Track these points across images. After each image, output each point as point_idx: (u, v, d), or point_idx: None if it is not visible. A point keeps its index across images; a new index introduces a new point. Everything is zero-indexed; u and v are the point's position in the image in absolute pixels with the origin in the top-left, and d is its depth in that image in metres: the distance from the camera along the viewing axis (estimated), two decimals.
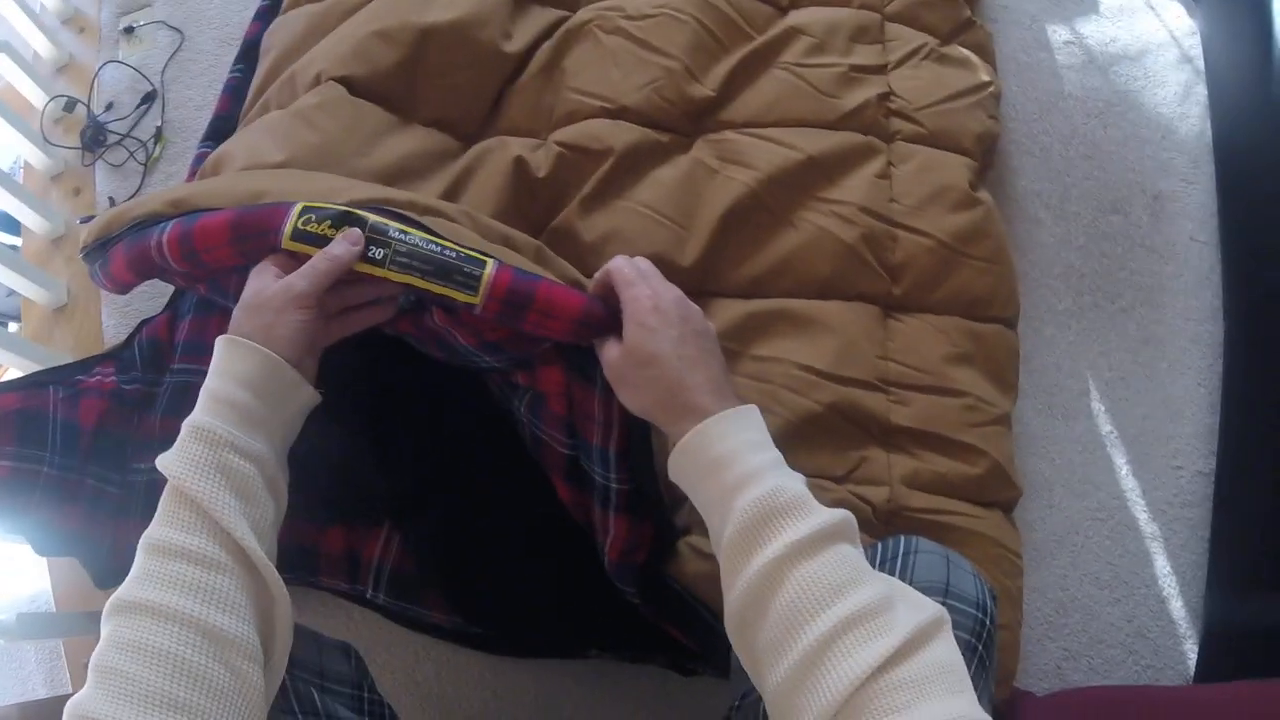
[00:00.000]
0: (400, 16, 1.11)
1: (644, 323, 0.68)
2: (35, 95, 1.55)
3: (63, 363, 1.13)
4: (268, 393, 0.66)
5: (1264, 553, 1.19)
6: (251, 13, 1.47)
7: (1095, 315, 1.39)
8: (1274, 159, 1.33)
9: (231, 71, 1.38)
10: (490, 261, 0.72)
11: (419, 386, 1.03)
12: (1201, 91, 1.55)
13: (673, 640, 0.94)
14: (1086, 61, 1.58)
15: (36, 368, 1.24)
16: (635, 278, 0.71)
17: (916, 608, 0.55)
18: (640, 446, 0.78)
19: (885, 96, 1.17)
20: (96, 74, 1.57)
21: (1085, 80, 1.56)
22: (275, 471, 0.66)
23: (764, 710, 0.59)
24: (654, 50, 1.13)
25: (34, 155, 1.49)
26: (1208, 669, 1.20)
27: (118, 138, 1.49)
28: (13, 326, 1.54)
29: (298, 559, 1.09)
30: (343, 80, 1.07)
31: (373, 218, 0.73)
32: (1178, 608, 1.26)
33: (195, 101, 1.52)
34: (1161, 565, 1.27)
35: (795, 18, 1.23)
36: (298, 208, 0.73)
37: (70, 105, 1.55)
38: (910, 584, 0.60)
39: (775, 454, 0.64)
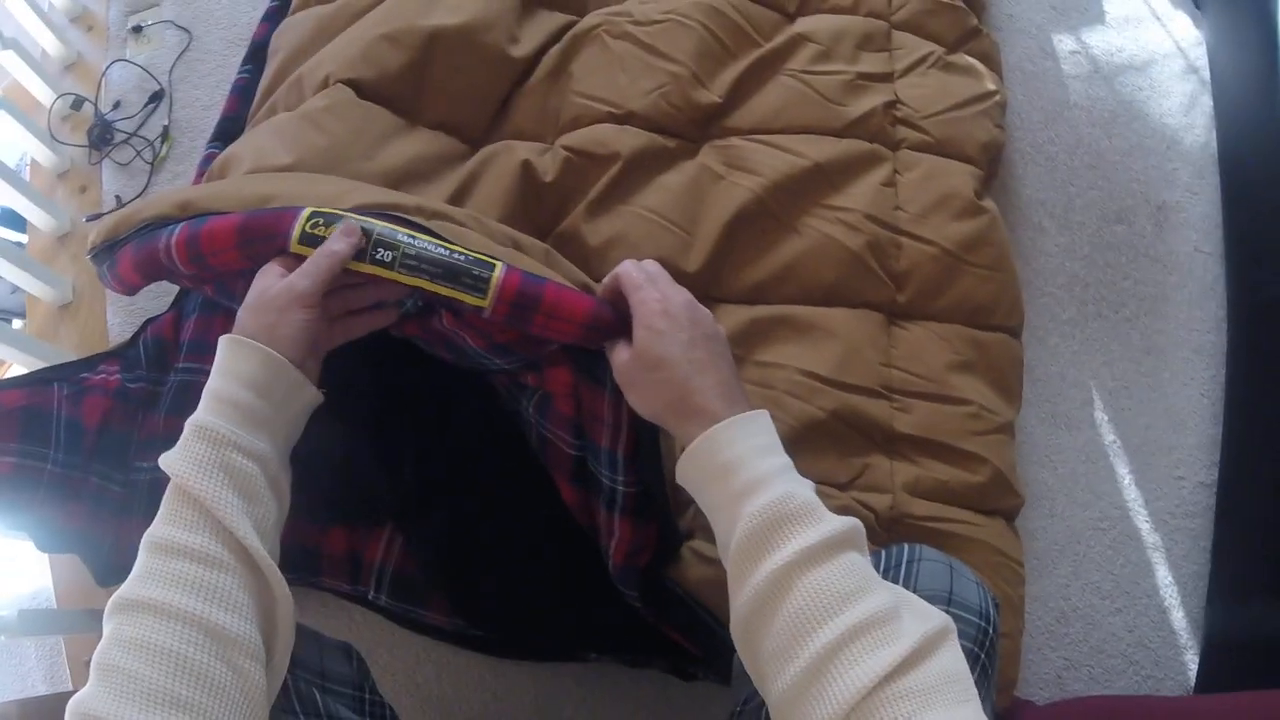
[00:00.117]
0: (408, 20, 1.11)
1: (653, 326, 0.67)
2: (43, 93, 1.55)
3: (67, 360, 1.13)
4: (271, 392, 0.66)
5: (1266, 564, 1.19)
6: (260, 13, 1.47)
7: (1099, 325, 1.39)
8: (1279, 170, 1.33)
9: (239, 72, 1.38)
10: (499, 264, 0.72)
11: (424, 388, 1.03)
12: (1207, 102, 1.56)
13: (673, 644, 0.94)
14: (1092, 71, 1.58)
15: (41, 365, 1.24)
16: (644, 281, 0.70)
17: (923, 617, 0.55)
18: (648, 449, 0.78)
19: (891, 104, 1.18)
20: (104, 73, 1.57)
21: (1090, 90, 1.56)
22: (278, 471, 0.66)
23: (766, 716, 0.59)
24: (661, 56, 1.13)
25: (41, 153, 1.49)
26: (1208, 679, 1.20)
27: (125, 136, 1.49)
28: (16, 323, 1.54)
29: (300, 559, 1.09)
30: (351, 83, 1.08)
31: (380, 223, 0.73)
32: (1179, 618, 1.26)
33: (203, 101, 1.52)
34: (1163, 575, 1.27)
35: (802, 25, 1.23)
36: (305, 212, 0.73)
37: (78, 103, 1.55)
38: (914, 592, 0.60)
39: (785, 459, 0.64)
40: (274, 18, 1.40)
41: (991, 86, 1.28)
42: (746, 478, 0.62)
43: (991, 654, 0.66)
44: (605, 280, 0.74)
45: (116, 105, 1.54)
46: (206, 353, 1.12)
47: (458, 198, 1.03)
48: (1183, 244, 1.45)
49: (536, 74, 1.15)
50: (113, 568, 1.08)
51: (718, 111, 1.14)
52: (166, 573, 0.56)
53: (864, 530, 0.61)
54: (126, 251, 0.85)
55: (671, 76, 1.12)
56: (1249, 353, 1.33)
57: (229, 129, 1.31)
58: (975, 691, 0.53)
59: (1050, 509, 1.28)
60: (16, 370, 1.33)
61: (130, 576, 0.57)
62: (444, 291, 0.71)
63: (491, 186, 1.03)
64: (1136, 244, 1.44)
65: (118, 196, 1.45)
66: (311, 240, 0.72)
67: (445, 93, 1.11)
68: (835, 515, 0.60)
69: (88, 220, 1.46)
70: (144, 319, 1.19)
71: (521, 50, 1.15)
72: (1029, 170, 1.47)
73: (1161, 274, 1.43)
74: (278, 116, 1.10)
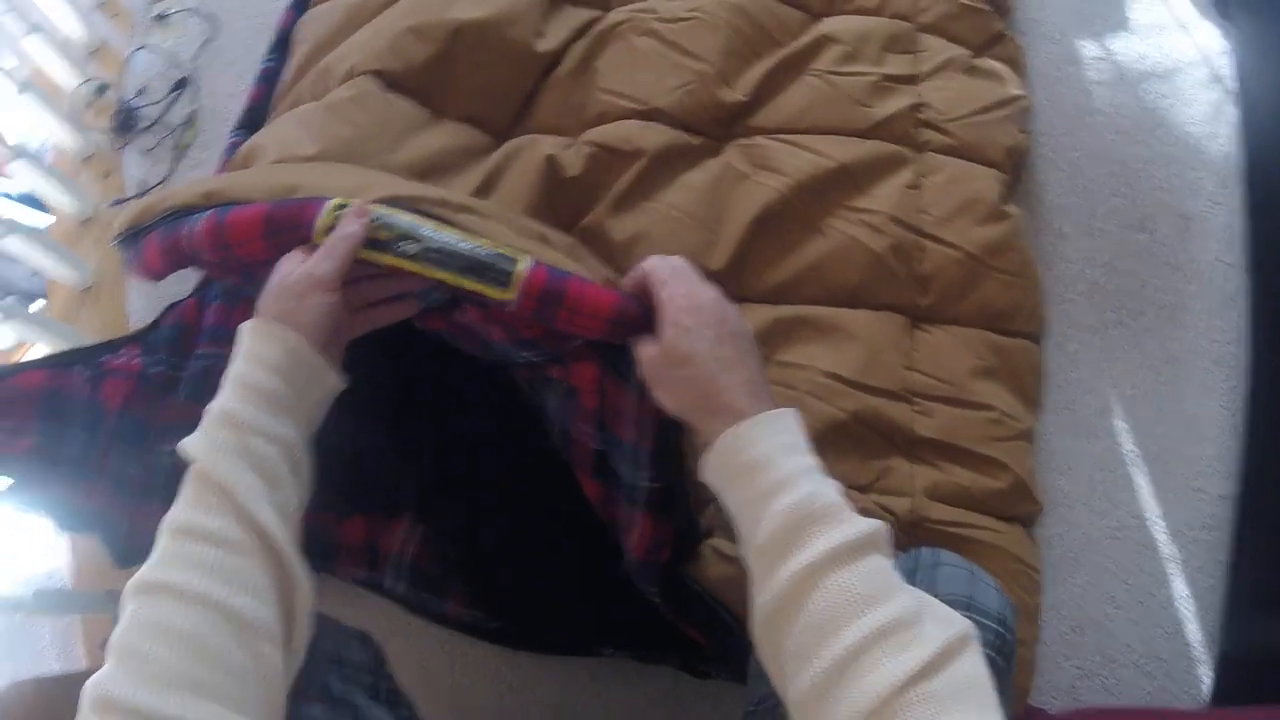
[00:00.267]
0: (434, 13, 1.11)
1: (680, 322, 0.67)
2: (67, 78, 1.56)
3: (88, 344, 1.13)
4: (293, 377, 0.66)
5: None
6: (285, 2, 1.47)
7: (1119, 333, 1.38)
8: None
9: (264, 61, 1.38)
10: (524, 258, 0.72)
11: (444, 381, 1.03)
12: (1231, 112, 1.54)
13: (688, 641, 0.94)
14: (1116, 78, 1.57)
15: (62, 347, 1.24)
16: (671, 277, 0.70)
17: (945, 622, 0.55)
18: (672, 446, 0.77)
19: (917, 107, 1.17)
20: (128, 59, 1.58)
21: (1114, 97, 1.55)
22: (300, 456, 0.66)
23: (782, 716, 0.59)
24: (686, 53, 1.13)
25: (65, 137, 1.50)
26: (1222, 693, 1.19)
27: (148, 123, 1.50)
28: (35, 306, 1.55)
29: (317, 548, 1.09)
30: (376, 74, 1.08)
31: (405, 216, 0.73)
32: (1193, 631, 1.25)
33: (226, 89, 1.52)
34: (1179, 587, 1.26)
35: (827, 25, 1.23)
36: (331, 204, 0.73)
37: (102, 89, 1.56)
38: (934, 596, 0.60)
39: (811, 459, 0.64)
40: (299, 7, 1.40)
41: (1016, 91, 1.27)
42: (772, 476, 0.61)
43: (1009, 661, 0.66)
44: (631, 275, 0.74)
45: (141, 92, 1.54)
46: (227, 339, 1.11)
47: (482, 191, 1.03)
48: (1204, 254, 1.44)
49: (561, 69, 1.15)
50: (131, 549, 1.09)
51: (742, 110, 1.14)
52: (186, 556, 0.56)
53: (889, 532, 0.61)
54: (152, 239, 0.85)
55: (697, 74, 1.12)
56: (1271, 365, 1.31)
57: (253, 118, 1.31)
58: (996, 698, 0.53)
59: (1067, 517, 1.27)
60: (37, 352, 1.34)
61: (150, 559, 0.57)
62: (468, 285, 0.71)
63: (516, 180, 1.04)
64: (1158, 252, 1.43)
65: (141, 182, 1.46)
66: None
67: (470, 86, 1.11)
68: (860, 517, 0.60)
69: (111, 206, 1.47)
70: (165, 304, 1.20)
71: (546, 45, 1.15)
72: (1051, 176, 1.46)
73: (1182, 283, 1.41)
74: (303, 107, 1.11)
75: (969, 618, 0.56)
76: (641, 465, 0.79)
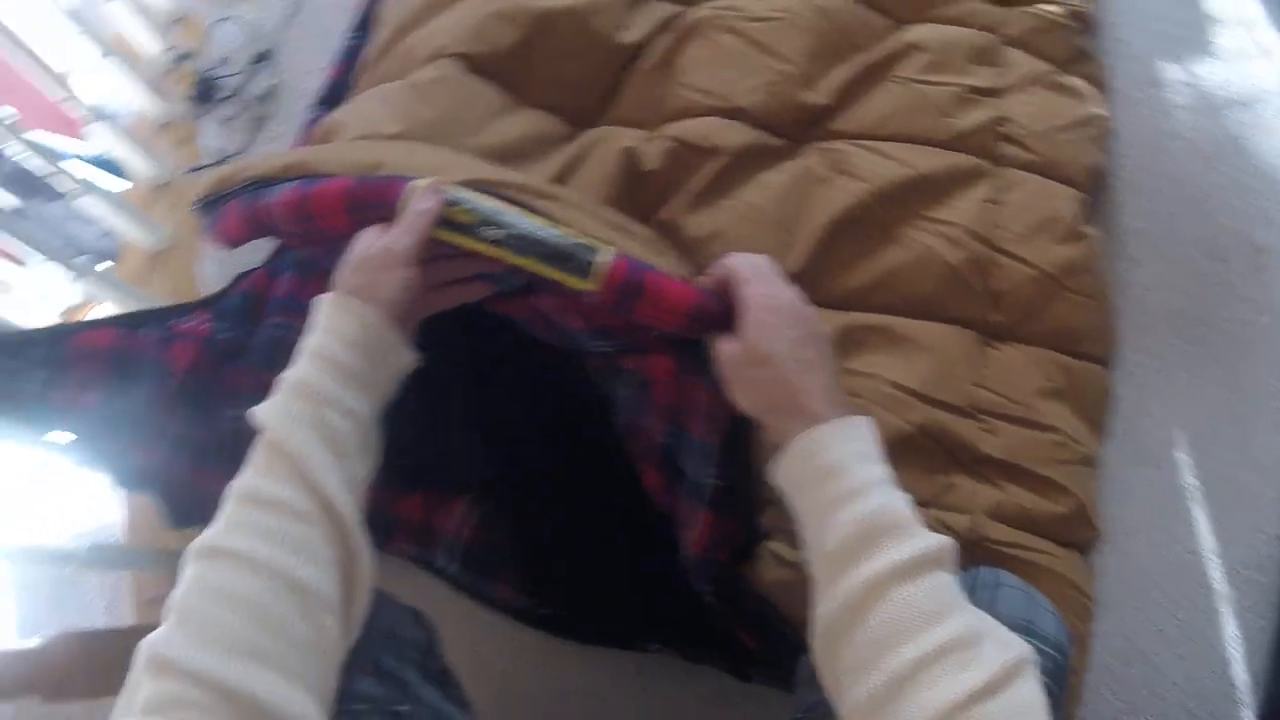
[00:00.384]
0: None
1: (761, 321, 0.67)
2: (149, 45, 1.59)
3: (157, 306, 1.15)
4: (368, 352, 0.66)
5: None
6: None
7: (1188, 362, 1.35)
8: None
9: (348, 39, 1.39)
10: (606, 249, 0.72)
11: (512, 366, 1.04)
12: None
13: (736, 643, 0.93)
14: (1198, 103, 1.54)
15: (129, 309, 1.27)
16: (753, 275, 0.70)
17: (1004, 645, 0.54)
18: (741, 445, 0.77)
19: (999, 120, 1.16)
20: (211, 29, 1.60)
21: (1196, 122, 1.52)
22: (370, 430, 0.66)
23: None
24: (770, 53, 1.13)
25: (145, 103, 1.53)
26: None
27: (228, 94, 1.52)
28: (101, 267, 1.58)
29: (374, 522, 1.09)
30: (461, 57, 1.09)
31: (489, 201, 0.73)
32: (1239, 672, 1.22)
33: (306, 65, 1.54)
34: (1229, 627, 1.24)
35: (912, 33, 1.21)
36: (416, 184, 0.74)
37: (183, 58, 1.59)
38: (993, 616, 0.60)
39: (885, 469, 0.63)
40: None
41: (1099, 111, 1.25)
42: (845, 484, 0.61)
43: (1062, 688, 0.65)
44: (712, 271, 0.74)
45: (222, 62, 1.57)
46: (297, 310, 1.14)
47: (559, 180, 1.03)
48: (1278, 286, 1.40)
49: (644, 62, 1.15)
50: (186, 511, 1.11)
51: (824, 113, 1.13)
52: (252, 523, 0.56)
53: (957, 550, 0.60)
54: (233, 207, 0.86)
55: (780, 75, 1.11)
56: None
57: (333, 94, 1.33)
58: None
59: (1122, 546, 1.24)
60: (102, 312, 1.37)
61: (215, 524, 0.57)
62: (549, 273, 0.71)
63: (593, 171, 1.04)
64: (1232, 283, 1.40)
65: (219, 151, 1.48)
66: None
67: (552, 74, 1.12)
68: (930, 532, 0.59)
69: (186, 173, 1.49)
70: (236, 272, 1.21)
71: (630, 37, 1.15)
72: (1127, 199, 1.43)
73: (1254, 315, 1.38)
74: (386, 85, 1.12)
75: (1027, 642, 0.56)
76: (709, 462, 0.79)
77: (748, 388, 0.68)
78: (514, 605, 1.10)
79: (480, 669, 1.12)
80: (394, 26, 1.23)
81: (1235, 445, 1.31)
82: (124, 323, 1.09)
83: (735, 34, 1.14)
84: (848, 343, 1.01)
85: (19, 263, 1.44)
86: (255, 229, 0.86)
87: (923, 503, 0.96)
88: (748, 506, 0.83)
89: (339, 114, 1.10)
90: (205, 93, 1.52)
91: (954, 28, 1.23)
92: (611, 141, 1.07)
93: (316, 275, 1.13)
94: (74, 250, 1.63)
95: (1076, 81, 1.28)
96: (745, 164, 1.06)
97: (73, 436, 1.03)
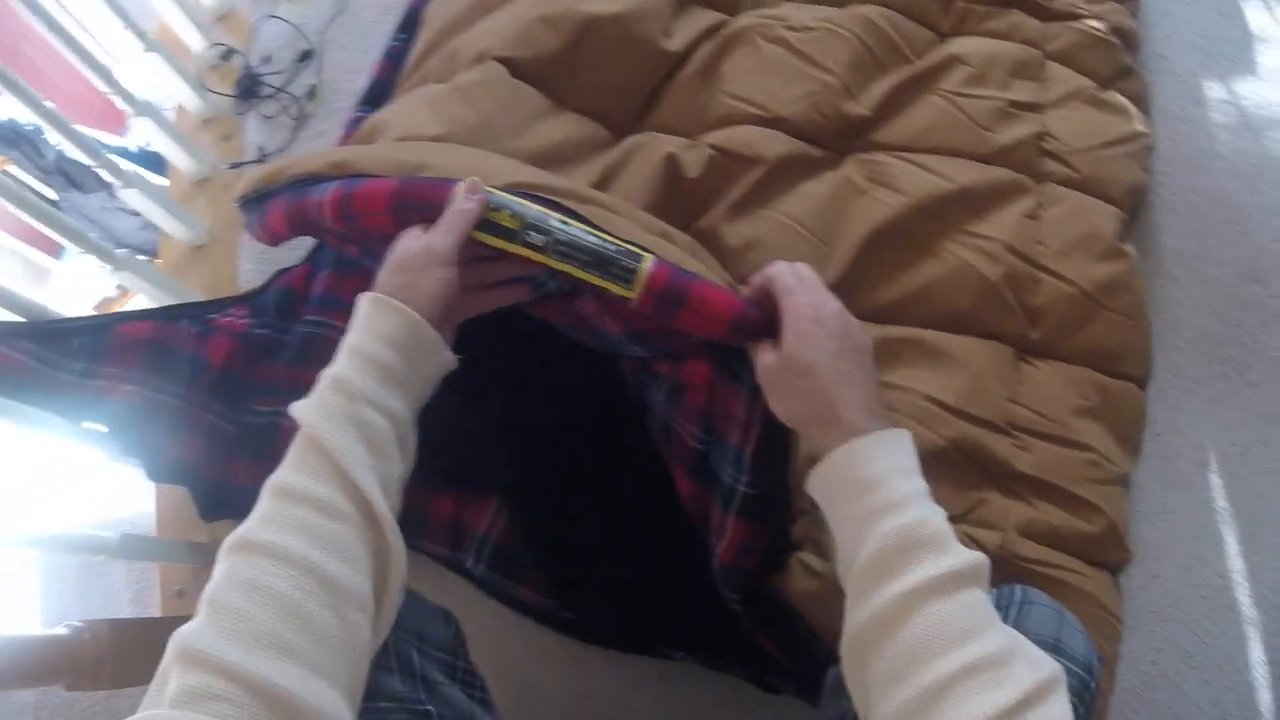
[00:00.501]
0: (566, 4, 1.12)
1: (803, 331, 0.67)
2: (194, 40, 1.61)
3: (195, 300, 1.16)
4: (409, 351, 0.67)
5: None
6: None
7: (1223, 385, 1.34)
8: None
9: (392, 39, 1.40)
10: (648, 257, 0.72)
11: (543, 368, 1.04)
12: None
13: (761, 653, 0.93)
14: (1240, 122, 1.52)
15: (168, 302, 1.28)
16: (797, 285, 0.70)
17: (1035, 664, 0.54)
18: (776, 453, 0.77)
19: (1040, 135, 1.15)
20: (256, 27, 1.62)
21: (1237, 141, 1.50)
22: (407, 430, 0.67)
23: None
24: (813, 64, 1.13)
25: (188, 98, 1.55)
26: None
27: (271, 91, 1.54)
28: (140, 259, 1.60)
29: (404, 520, 1.10)
30: (505, 61, 1.10)
31: (533, 206, 0.74)
32: (1265, 699, 1.21)
33: (351, 64, 1.55)
34: (1255, 653, 1.22)
35: (956, 45, 1.21)
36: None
37: (227, 54, 1.60)
38: (1022, 634, 0.59)
39: (922, 484, 0.63)
40: None
41: (1141, 128, 1.24)
42: (883, 496, 0.61)
43: (1090, 709, 0.65)
44: (754, 279, 0.74)
45: (266, 60, 1.58)
46: (335, 309, 1.15)
47: (600, 185, 1.04)
48: None
49: (686, 69, 1.16)
50: (218, 504, 1.11)
51: (865, 125, 1.13)
52: (287, 518, 0.56)
53: (990, 567, 0.60)
54: (278, 203, 0.87)
55: (822, 85, 1.11)
56: None
57: (378, 94, 1.34)
58: None
59: (1152, 568, 1.23)
60: (139, 303, 1.38)
61: (250, 518, 0.57)
62: (592, 280, 0.72)
63: (634, 177, 1.04)
64: (1270, 306, 1.38)
65: (261, 148, 1.50)
66: None
67: (595, 79, 1.12)
68: (964, 548, 0.59)
69: (229, 168, 1.51)
70: (275, 269, 1.23)
71: (673, 44, 1.16)
72: (1167, 218, 1.42)
73: None
74: (430, 87, 1.13)
75: (1057, 661, 0.56)
76: (743, 470, 0.79)
77: (787, 397, 0.68)
78: (539, 608, 1.10)
79: (503, 671, 1.13)
80: (439, 29, 1.24)
81: (1269, 469, 1.29)
82: (162, 315, 1.11)
83: (779, 43, 1.15)
84: (883, 355, 1.00)
85: (54, 255, 1.46)
86: (299, 225, 0.87)
87: (953, 518, 0.94)
88: (780, 516, 0.83)
89: (383, 114, 1.11)
90: (249, 89, 1.54)
91: (997, 41, 1.23)
92: (653, 148, 1.07)
93: (354, 273, 1.15)
94: (112, 242, 1.66)
95: (1118, 98, 1.27)
96: (785, 173, 1.06)
97: (107, 427, 1.04)
